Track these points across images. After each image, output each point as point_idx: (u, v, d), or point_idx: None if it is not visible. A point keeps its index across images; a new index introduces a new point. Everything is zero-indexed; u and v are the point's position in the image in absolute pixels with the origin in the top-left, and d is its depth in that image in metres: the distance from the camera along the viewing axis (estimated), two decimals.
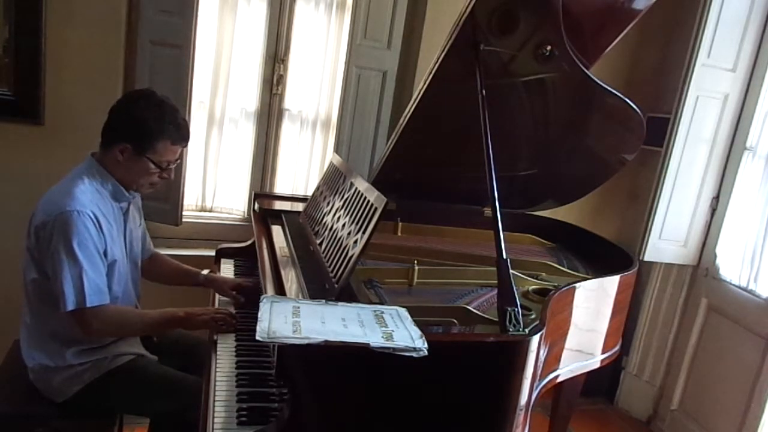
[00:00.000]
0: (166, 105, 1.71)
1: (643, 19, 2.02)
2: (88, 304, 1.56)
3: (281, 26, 2.69)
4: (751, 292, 2.67)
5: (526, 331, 1.33)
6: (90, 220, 1.59)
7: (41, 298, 1.67)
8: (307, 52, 2.77)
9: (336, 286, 1.47)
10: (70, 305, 1.56)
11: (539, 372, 1.51)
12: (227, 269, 2.21)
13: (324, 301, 1.36)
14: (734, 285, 2.76)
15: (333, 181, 2.04)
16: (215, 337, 1.67)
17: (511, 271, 1.44)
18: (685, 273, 3.03)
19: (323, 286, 1.54)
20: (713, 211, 2.91)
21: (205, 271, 2.06)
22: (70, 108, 2.30)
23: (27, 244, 1.67)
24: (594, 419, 3.12)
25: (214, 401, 1.38)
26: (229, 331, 1.70)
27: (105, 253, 1.66)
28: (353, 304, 1.35)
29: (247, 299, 1.93)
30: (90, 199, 1.63)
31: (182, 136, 1.74)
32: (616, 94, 2.03)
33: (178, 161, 1.79)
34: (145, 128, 1.66)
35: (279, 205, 2.35)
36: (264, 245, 1.94)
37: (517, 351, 1.28)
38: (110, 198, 1.72)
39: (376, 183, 1.77)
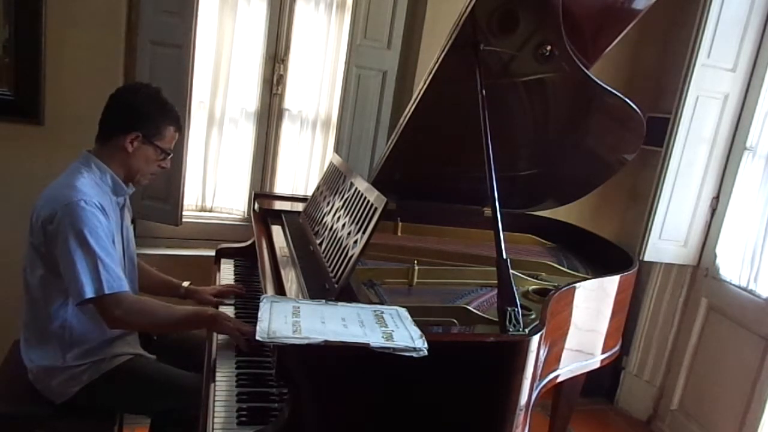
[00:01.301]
0: (162, 94, 1.77)
1: (643, 19, 2.02)
2: (107, 291, 1.55)
3: (281, 26, 2.69)
4: (751, 292, 2.67)
5: (526, 331, 1.33)
6: (97, 209, 1.60)
7: (48, 296, 1.66)
8: (307, 52, 2.77)
9: (336, 286, 1.47)
10: (89, 293, 1.54)
11: (539, 372, 1.51)
12: (227, 269, 2.21)
13: (324, 301, 1.36)
14: (734, 285, 2.76)
15: (333, 181, 2.04)
16: (214, 345, 1.59)
17: (511, 271, 1.44)
18: (685, 273, 3.03)
19: (323, 286, 1.54)
20: (713, 211, 2.91)
21: (186, 283, 2.02)
22: (70, 108, 2.30)
23: (31, 241, 1.66)
24: (594, 419, 3.12)
25: (214, 401, 1.38)
26: (245, 349, 1.57)
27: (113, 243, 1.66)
28: (353, 304, 1.35)
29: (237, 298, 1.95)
30: (93, 191, 1.64)
31: (180, 123, 1.81)
32: (616, 94, 2.03)
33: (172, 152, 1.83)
34: (153, 115, 1.72)
35: (279, 205, 2.35)
36: (264, 245, 1.94)
37: (517, 351, 1.28)
38: (110, 192, 1.73)
39: (376, 183, 1.77)
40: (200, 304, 1.97)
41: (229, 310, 1.89)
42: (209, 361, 1.56)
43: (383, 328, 1.21)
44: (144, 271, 2.04)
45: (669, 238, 2.88)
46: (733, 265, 2.78)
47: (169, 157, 1.80)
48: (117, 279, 1.58)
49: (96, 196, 1.63)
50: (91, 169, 1.70)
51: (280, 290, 1.59)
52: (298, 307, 1.27)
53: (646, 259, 2.89)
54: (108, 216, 1.65)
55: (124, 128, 1.70)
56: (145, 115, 1.71)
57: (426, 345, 1.15)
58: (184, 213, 2.52)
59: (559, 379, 1.81)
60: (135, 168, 1.75)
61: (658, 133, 2.80)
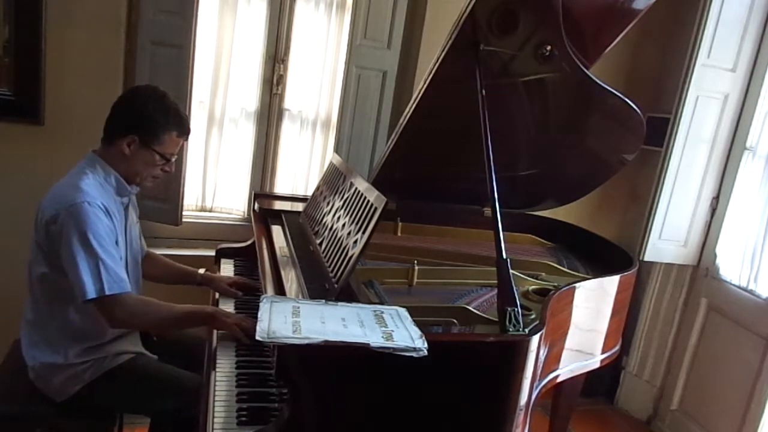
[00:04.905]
0: (168, 98, 1.76)
1: (643, 19, 2.02)
2: (108, 292, 1.56)
3: (281, 26, 2.69)
4: (751, 292, 2.67)
5: (526, 331, 1.33)
6: (101, 210, 1.61)
7: (49, 294, 1.67)
8: (307, 52, 2.77)
9: (336, 286, 1.47)
10: (90, 294, 1.55)
11: (539, 372, 1.51)
12: (227, 269, 2.21)
13: (324, 301, 1.36)
14: (734, 285, 2.76)
15: (333, 181, 2.04)
16: (214, 345, 1.61)
17: (511, 271, 1.44)
18: (685, 273, 3.03)
19: (323, 286, 1.54)
20: (713, 211, 2.91)
21: (202, 270, 2.07)
22: (70, 108, 2.30)
23: (36, 239, 1.67)
24: (594, 419, 3.12)
25: (214, 401, 1.38)
26: (245, 342, 1.61)
27: (116, 243, 1.67)
28: (353, 304, 1.35)
29: (245, 295, 1.95)
30: (97, 192, 1.65)
31: (185, 128, 1.79)
32: (616, 94, 2.03)
33: (176, 156, 1.82)
34: (152, 120, 1.70)
35: (279, 205, 2.35)
36: (264, 245, 1.94)
37: (517, 351, 1.28)
38: (114, 192, 1.73)
39: (376, 183, 1.77)
40: (216, 291, 2.02)
41: (229, 309, 1.90)
42: (209, 361, 1.56)
43: (383, 328, 1.21)
44: (159, 261, 2.07)
45: (669, 238, 2.88)
46: (733, 265, 2.78)
47: (171, 162, 1.78)
48: (119, 280, 1.59)
49: (99, 198, 1.63)
50: (95, 170, 1.70)
51: (280, 290, 1.59)
52: (298, 307, 1.27)
53: (646, 259, 2.89)
54: (111, 217, 1.66)
55: (122, 131, 1.70)
56: (144, 119, 1.69)
57: (426, 345, 1.15)
58: (184, 213, 2.53)
59: (559, 379, 1.81)
60: (133, 171, 1.74)
61: (658, 133, 2.80)
